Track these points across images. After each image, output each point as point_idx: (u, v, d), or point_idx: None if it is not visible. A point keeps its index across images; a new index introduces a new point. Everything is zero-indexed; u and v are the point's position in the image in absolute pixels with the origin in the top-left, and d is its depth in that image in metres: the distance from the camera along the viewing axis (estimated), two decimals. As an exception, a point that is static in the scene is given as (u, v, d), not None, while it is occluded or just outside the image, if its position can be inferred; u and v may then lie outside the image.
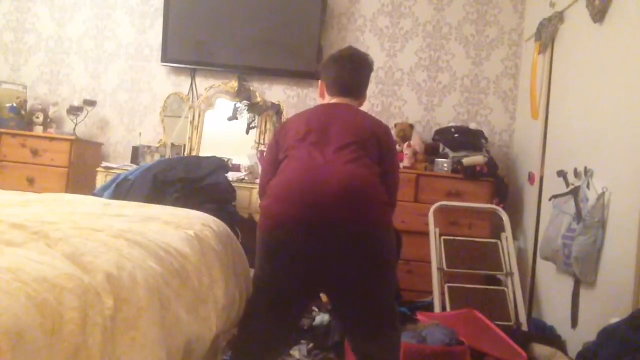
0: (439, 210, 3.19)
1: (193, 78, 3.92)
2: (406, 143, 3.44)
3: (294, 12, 3.76)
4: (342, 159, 1.69)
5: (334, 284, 1.72)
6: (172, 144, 3.77)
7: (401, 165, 3.28)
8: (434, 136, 3.64)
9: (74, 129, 3.75)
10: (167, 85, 3.96)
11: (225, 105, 3.84)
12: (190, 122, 3.84)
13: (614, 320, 1.87)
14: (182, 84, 3.95)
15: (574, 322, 2.47)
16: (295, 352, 2.41)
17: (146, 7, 4.00)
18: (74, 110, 3.75)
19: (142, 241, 1.30)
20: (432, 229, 3.13)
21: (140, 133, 3.85)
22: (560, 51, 3.00)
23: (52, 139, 3.56)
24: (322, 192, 1.61)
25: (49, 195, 2.00)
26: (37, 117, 3.72)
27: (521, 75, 3.73)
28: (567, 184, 2.64)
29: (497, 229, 3.24)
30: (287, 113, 3.75)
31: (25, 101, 3.77)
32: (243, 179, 3.37)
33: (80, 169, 3.60)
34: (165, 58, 3.85)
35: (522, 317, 2.85)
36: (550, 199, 2.75)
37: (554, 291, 2.79)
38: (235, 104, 3.73)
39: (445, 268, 3.03)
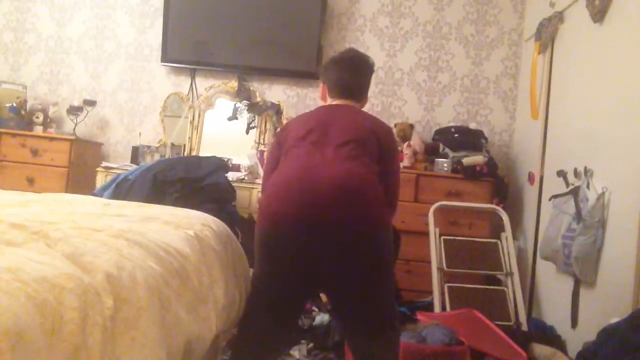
0: (439, 210, 3.19)
1: (193, 78, 3.92)
2: (406, 143, 3.44)
3: (294, 12, 3.76)
4: (340, 157, 1.69)
5: (332, 283, 1.72)
6: (172, 144, 3.77)
7: (401, 165, 3.28)
8: (434, 136, 3.64)
9: (74, 129, 3.75)
10: (167, 85, 3.96)
11: (225, 105, 3.84)
12: (190, 122, 3.84)
13: (614, 320, 1.87)
14: (182, 84, 3.95)
15: (574, 322, 2.47)
16: (295, 352, 2.41)
17: (146, 7, 4.00)
18: (74, 110, 3.75)
19: (142, 241, 1.30)
20: (432, 229, 3.13)
21: (140, 133, 3.85)
22: (560, 51, 3.00)
23: (52, 139, 3.56)
24: (320, 190, 1.61)
25: (49, 195, 2.00)
26: (37, 117, 3.72)
27: (521, 75, 3.73)
28: (567, 184, 2.64)
29: (497, 229, 3.24)
30: (287, 113, 3.76)
31: (25, 101, 3.77)
32: (243, 179, 3.37)
33: (80, 169, 3.60)
34: (165, 58, 3.85)
35: (522, 317, 2.85)
36: (550, 199, 2.75)
37: (554, 291, 2.79)
38: (235, 104, 3.73)
39: (445, 268, 3.03)
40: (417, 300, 3.11)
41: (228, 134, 3.79)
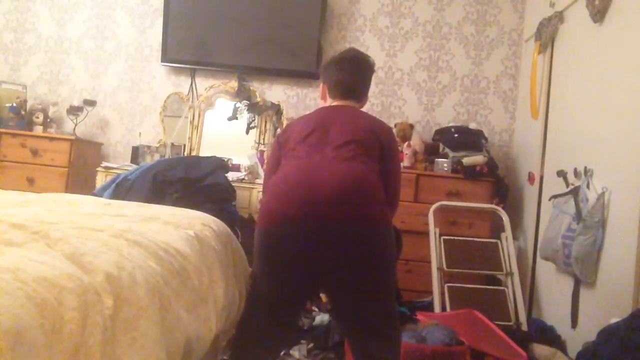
0: (439, 210, 3.19)
1: (193, 78, 3.92)
2: (406, 143, 3.44)
3: (294, 12, 3.76)
4: (340, 156, 1.69)
5: (332, 283, 1.71)
6: (172, 144, 3.77)
7: (401, 165, 3.27)
8: (434, 136, 3.64)
9: (74, 129, 3.75)
10: (167, 85, 3.96)
11: (225, 105, 3.84)
12: (190, 122, 3.84)
13: (614, 320, 1.87)
14: (182, 84, 3.95)
15: (574, 322, 2.47)
16: (295, 352, 2.41)
17: (146, 7, 4.00)
18: (74, 110, 3.75)
19: (142, 241, 1.30)
20: (432, 229, 3.13)
21: (140, 133, 3.86)
22: (560, 51, 3.00)
23: (52, 139, 3.56)
24: (320, 190, 1.62)
25: (49, 195, 2.00)
26: (37, 117, 3.72)
27: (521, 75, 3.73)
28: (567, 184, 2.64)
29: (497, 229, 3.24)
30: (287, 113, 3.76)
31: (25, 101, 3.77)
32: (243, 179, 3.37)
33: (80, 169, 3.60)
34: (165, 58, 3.85)
35: (522, 317, 2.85)
36: (550, 199, 2.75)
37: (554, 291, 2.79)
38: (235, 104, 3.73)
39: (445, 268, 3.03)
40: (417, 300, 3.11)
41: (228, 134, 3.79)
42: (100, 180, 3.36)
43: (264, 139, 3.75)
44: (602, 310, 2.21)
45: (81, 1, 4.04)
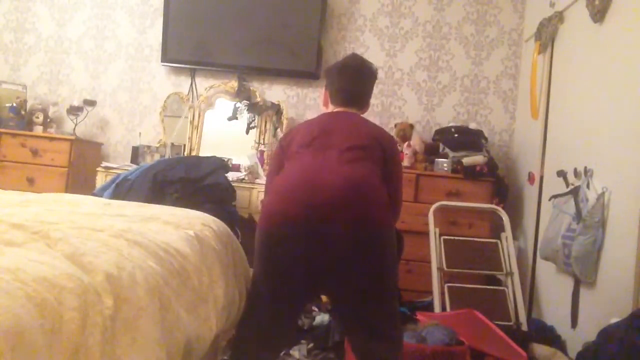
0: (439, 210, 3.19)
1: (193, 78, 3.92)
2: (406, 143, 3.44)
3: (294, 12, 3.76)
4: (343, 160, 1.70)
5: (334, 284, 1.71)
6: (172, 144, 3.77)
7: (402, 167, 3.27)
8: (434, 136, 3.64)
9: (74, 129, 3.75)
10: (167, 85, 3.96)
11: (225, 105, 3.84)
12: (190, 122, 3.84)
13: (614, 320, 1.87)
14: (182, 84, 3.95)
15: (574, 322, 2.47)
16: (295, 352, 2.41)
17: (146, 7, 4.00)
18: (74, 110, 3.75)
19: (142, 241, 1.30)
20: (432, 229, 3.13)
21: (140, 133, 3.85)
22: (560, 51, 3.00)
23: (52, 139, 3.56)
24: (322, 191, 1.62)
25: (49, 195, 1.99)
26: (37, 117, 3.72)
27: (521, 75, 3.73)
28: (567, 184, 2.64)
29: (497, 229, 3.24)
30: (287, 113, 3.75)
31: (25, 101, 3.77)
32: (243, 179, 3.37)
33: (80, 169, 3.60)
34: (165, 58, 3.85)
35: (522, 317, 2.85)
36: (550, 199, 2.75)
37: (554, 291, 2.79)
38: (235, 104, 3.73)
39: (445, 268, 3.03)
40: (417, 300, 3.11)
41: (228, 134, 3.79)
42: (100, 180, 3.36)
43: (264, 139, 3.75)
44: (602, 310, 2.21)
45: (81, 1, 4.04)
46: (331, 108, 1.98)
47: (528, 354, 2.29)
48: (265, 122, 3.78)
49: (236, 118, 3.70)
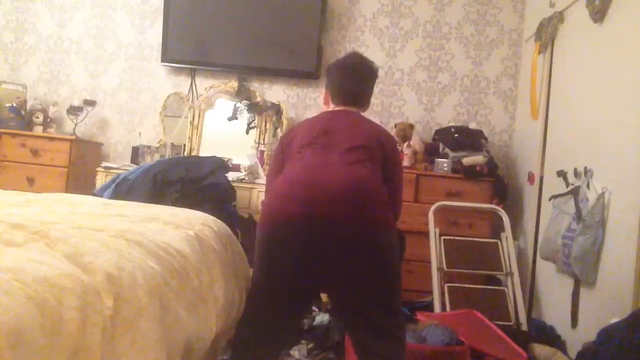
0: (439, 210, 3.19)
1: (193, 78, 3.92)
2: (406, 143, 3.44)
3: (294, 12, 3.76)
4: (344, 160, 1.70)
5: (334, 284, 1.71)
6: (172, 144, 3.77)
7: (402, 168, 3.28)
8: (434, 136, 3.64)
9: (74, 129, 3.75)
10: (167, 85, 3.96)
11: (225, 105, 3.84)
12: (190, 122, 3.84)
13: (614, 320, 1.87)
14: (182, 84, 3.95)
15: (574, 322, 2.47)
16: (295, 352, 2.41)
17: (146, 7, 4.00)
18: (74, 110, 3.75)
19: (142, 241, 1.30)
20: (432, 229, 3.12)
21: (140, 133, 3.85)
22: (560, 51, 3.00)
23: (52, 139, 3.56)
24: (323, 191, 1.62)
25: (49, 195, 2.00)
26: (37, 117, 3.72)
27: (521, 75, 3.73)
28: (567, 184, 2.64)
29: (497, 229, 3.24)
30: (287, 113, 3.76)
31: (25, 101, 3.77)
32: (243, 179, 3.37)
33: (80, 169, 3.60)
34: (165, 58, 3.85)
35: (522, 317, 2.85)
36: (550, 199, 2.75)
37: (554, 291, 2.79)
38: (235, 104, 3.73)
39: (445, 268, 3.03)
40: (417, 300, 3.11)
41: (228, 134, 3.78)
42: (100, 180, 3.35)
43: (264, 139, 3.75)
44: (602, 310, 2.21)
45: (81, 1, 4.04)
46: (332, 107, 1.98)
47: (528, 354, 2.29)
48: (265, 122, 3.78)
49: (236, 118, 3.70)
